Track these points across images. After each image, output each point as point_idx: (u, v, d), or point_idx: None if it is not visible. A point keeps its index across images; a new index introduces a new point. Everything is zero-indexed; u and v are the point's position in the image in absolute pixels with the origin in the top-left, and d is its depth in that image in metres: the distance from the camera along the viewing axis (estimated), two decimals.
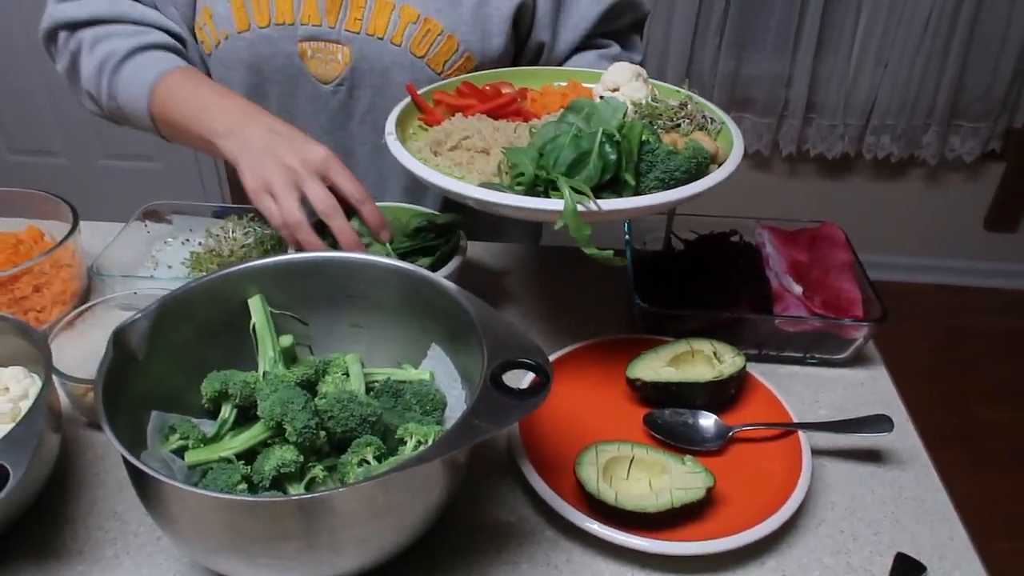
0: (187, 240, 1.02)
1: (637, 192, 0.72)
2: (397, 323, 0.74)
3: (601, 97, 0.89)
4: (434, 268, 0.86)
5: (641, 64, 1.13)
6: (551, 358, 0.82)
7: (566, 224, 0.68)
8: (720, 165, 0.76)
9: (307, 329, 0.75)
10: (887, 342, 0.91)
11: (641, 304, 0.83)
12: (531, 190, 0.73)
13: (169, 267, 0.97)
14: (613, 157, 0.71)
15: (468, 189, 0.72)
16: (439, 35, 0.99)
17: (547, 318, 0.93)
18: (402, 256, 0.88)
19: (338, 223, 0.81)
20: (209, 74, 1.07)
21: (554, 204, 0.69)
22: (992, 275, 3.04)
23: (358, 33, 1.00)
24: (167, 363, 0.68)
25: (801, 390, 0.84)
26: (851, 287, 0.87)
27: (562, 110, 0.80)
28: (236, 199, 1.17)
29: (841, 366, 0.87)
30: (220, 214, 1.03)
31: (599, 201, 0.69)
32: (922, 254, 3.02)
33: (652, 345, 0.82)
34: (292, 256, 0.72)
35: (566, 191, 0.69)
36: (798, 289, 0.85)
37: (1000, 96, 2.59)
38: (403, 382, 0.72)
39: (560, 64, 1.10)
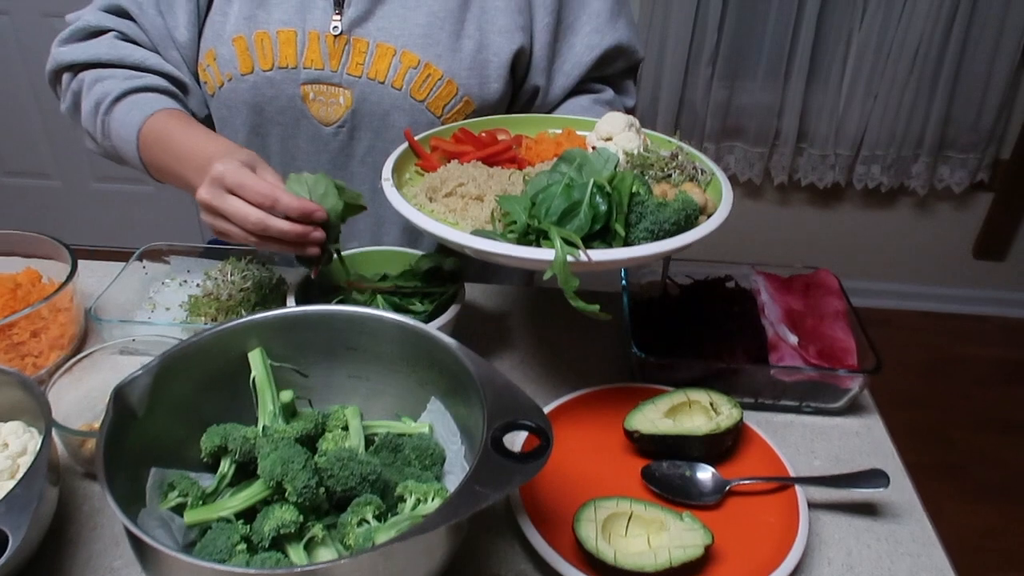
0: (185, 281, 1.02)
1: (627, 242, 0.73)
2: (396, 375, 0.74)
3: (594, 147, 0.90)
4: (433, 315, 0.86)
5: (634, 108, 1.15)
6: (548, 408, 0.83)
7: (555, 274, 0.69)
8: (709, 216, 0.77)
9: (307, 380, 0.75)
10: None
11: (638, 354, 0.84)
12: (523, 239, 0.74)
13: (167, 309, 0.97)
14: (604, 208, 0.73)
15: (461, 237, 0.73)
16: (439, 80, 1.00)
17: (543, 364, 0.94)
18: (403, 296, 0.88)
19: (274, 226, 0.77)
20: (211, 115, 1.08)
21: (545, 254, 0.70)
22: (980, 303, 3.07)
23: (359, 77, 1.01)
24: (167, 418, 0.68)
25: (797, 440, 0.85)
26: (845, 336, 0.88)
27: (555, 159, 0.81)
28: None
29: (836, 415, 0.88)
30: (216, 253, 1.03)
31: (589, 251, 0.70)
32: (911, 282, 3.04)
33: (649, 395, 0.83)
34: (292, 309, 0.73)
35: (557, 241, 0.70)
36: (794, 339, 0.86)
37: (988, 127, 2.63)
38: (402, 435, 0.72)
39: (554, 108, 1.11)
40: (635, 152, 0.88)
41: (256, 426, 0.70)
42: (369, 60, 1.00)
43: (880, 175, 2.73)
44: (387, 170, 0.84)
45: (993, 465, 2.36)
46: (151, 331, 0.89)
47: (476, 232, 0.74)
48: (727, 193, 0.80)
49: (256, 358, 0.71)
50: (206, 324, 0.91)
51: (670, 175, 0.85)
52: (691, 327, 0.90)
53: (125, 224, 3.13)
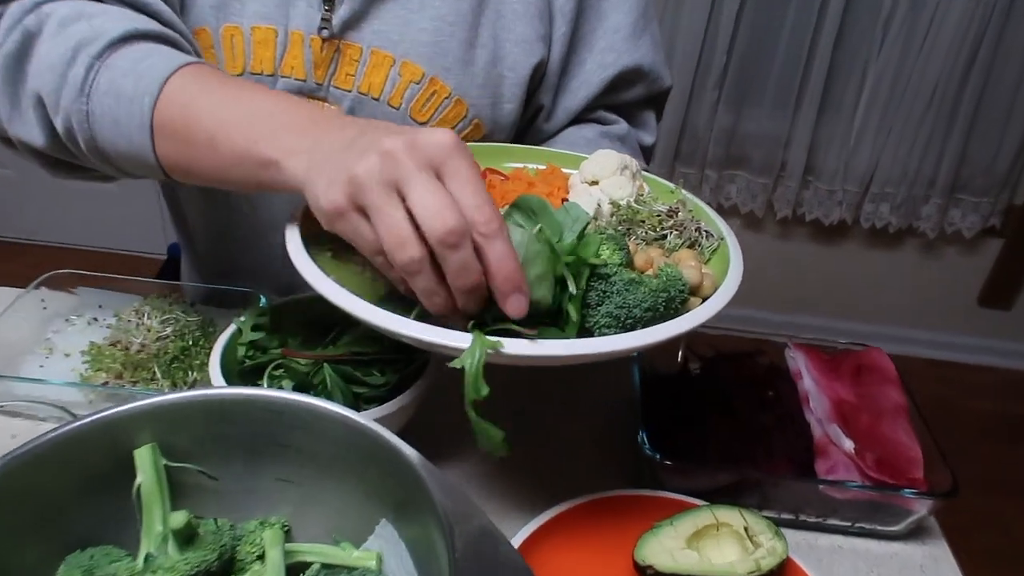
0: (95, 319, 0.83)
1: (582, 330, 0.56)
2: (337, 483, 0.56)
3: (564, 199, 0.72)
4: (400, 387, 0.68)
5: (652, 147, 0.97)
6: (535, 523, 0.64)
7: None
8: (704, 299, 0.59)
9: (219, 484, 0.56)
10: None
11: (652, 455, 0.66)
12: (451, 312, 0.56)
13: (66, 356, 0.78)
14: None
15: (355, 305, 0.55)
16: (446, 99, 0.82)
17: (528, 460, 0.75)
18: (357, 364, 0.70)
19: (460, 256, 0.50)
20: None
21: (459, 340, 0.52)
22: (983, 352, 2.93)
23: (349, 91, 0.82)
24: (13, 536, 0.49)
25: (847, 573, 0.67)
26: (909, 441, 0.70)
27: (506, 207, 0.62)
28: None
29: (894, 539, 0.70)
30: (144, 287, 0.84)
31: (518, 342, 0.52)
32: (913, 326, 2.90)
33: (665, 510, 0.65)
34: (198, 395, 0.54)
35: (477, 335, 0.52)
36: (849, 444, 0.68)
37: (1003, 171, 2.49)
38: (340, 569, 0.54)
39: (555, 135, 0.93)
40: (624, 203, 0.70)
41: (137, 555, 0.51)
42: (362, 70, 0.82)
43: (889, 215, 2.58)
44: (295, 210, 0.65)
45: (994, 526, 2.21)
46: (33, 394, 0.70)
47: (383, 301, 0.56)
48: (735, 269, 0.62)
49: (145, 458, 0.52)
50: (105, 383, 0.72)
51: (664, 236, 0.67)
52: (716, 416, 0.72)
53: (86, 222, 2.92)
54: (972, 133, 2.42)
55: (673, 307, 0.56)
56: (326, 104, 0.83)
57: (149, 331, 0.76)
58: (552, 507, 0.66)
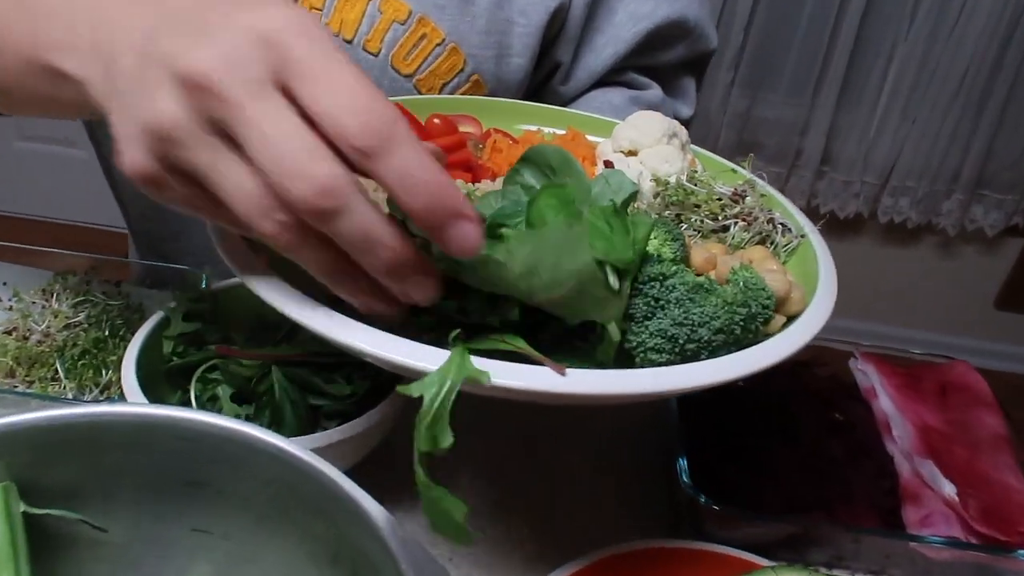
0: None
1: (620, 356, 0.40)
2: (271, 537, 0.40)
3: (608, 163, 0.57)
4: (367, 400, 0.52)
5: (690, 120, 0.82)
6: None
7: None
8: (790, 319, 0.44)
9: (108, 535, 0.41)
10: None
11: (695, 496, 0.51)
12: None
13: None
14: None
15: (298, 309, 0.39)
16: (438, 45, 0.66)
17: (534, 503, 0.60)
18: (316, 369, 0.54)
19: (350, 224, 0.33)
20: None
21: (418, 357, 0.37)
22: (997, 357, 2.79)
23: None
24: None
25: None
26: (1020, 483, 0.55)
27: (512, 166, 0.46)
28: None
29: None
30: (68, 261, 0.68)
31: (499, 370, 0.36)
32: (925, 328, 2.76)
33: (712, 569, 0.49)
34: (78, 412, 0.38)
35: (457, 352, 0.36)
36: (949, 488, 0.53)
37: None
38: None
39: (574, 99, 0.77)
40: (673, 180, 0.55)
41: None
42: (331, 3, 0.66)
43: (908, 209, 2.44)
44: None
45: None
46: None
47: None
48: (827, 277, 0.47)
49: None
50: None
51: (726, 227, 0.52)
52: (774, 445, 0.57)
53: (53, 192, 2.74)
54: (1002, 125, 2.27)
55: (752, 329, 0.40)
56: None
57: (56, 316, 0.60)
58: (562, 566, 0.50)
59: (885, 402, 0.60)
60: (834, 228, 2.55)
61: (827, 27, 2.17)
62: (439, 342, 0.38)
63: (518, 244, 0.36)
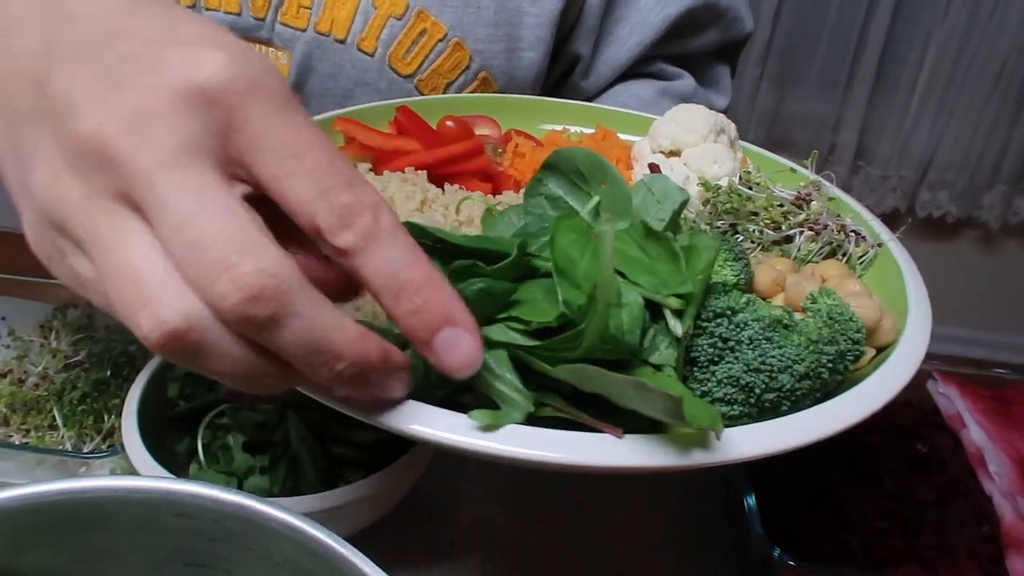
0: None
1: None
2: None
3: (653, 167, 0.51)
4: (387, 453, 0.47)
5: (724, 113, 0.75)
6: None
7: None
8: (880, 349, 0.38)
9: None
10: None
11: (770, 550, 0.44)
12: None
13: None
14: (635, 307, 0.33)
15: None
16: (440, 41, 0.61)
17: (576, 552, 0.54)
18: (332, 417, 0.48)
19: (292, 335, 0.26)
20: None
21: (427, 424, 0.31)
22: None
23: (303, 30, 0.61)
24: None
25: None
26: None
27: (535, 175, 0.41)
28: None
29: None
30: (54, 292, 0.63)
31: (501, 432, 0.30)
32: (967, 326, 2.66)
33: None
34: (66, 487, 0.32)
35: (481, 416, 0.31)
36: None
37: None
38: None
39: (597, 95, 0.71)
40: (725, 184, 0.49)
41: None
42: (320, 1, 0.61)
43: (948, 203, 2.35)
44: None
45: None
46: None
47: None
48: (918, 297, 0.42)
49: None
50: None
51: (790, 238, 0.46)
52: (848, 485, 0.51)
53: None
54: None
55: (840, 370, 0.34)
56: (272, 49, 0.62)
57: (55, 356, 0.55)
58: None
59: (976, 432, 0.53)
60: None
61: (859, 17, 2.10)
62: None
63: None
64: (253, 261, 0.24)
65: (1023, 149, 2.24)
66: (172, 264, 0.25)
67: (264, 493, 0.45)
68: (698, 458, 0.31)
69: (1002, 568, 0.47)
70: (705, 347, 0.34)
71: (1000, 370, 0.61)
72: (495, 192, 0.53)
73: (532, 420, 0.31)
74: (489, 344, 0.31)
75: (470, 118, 0.58)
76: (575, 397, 0.32)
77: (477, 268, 0.33)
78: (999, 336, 2.66)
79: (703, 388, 0.34)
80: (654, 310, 0.34)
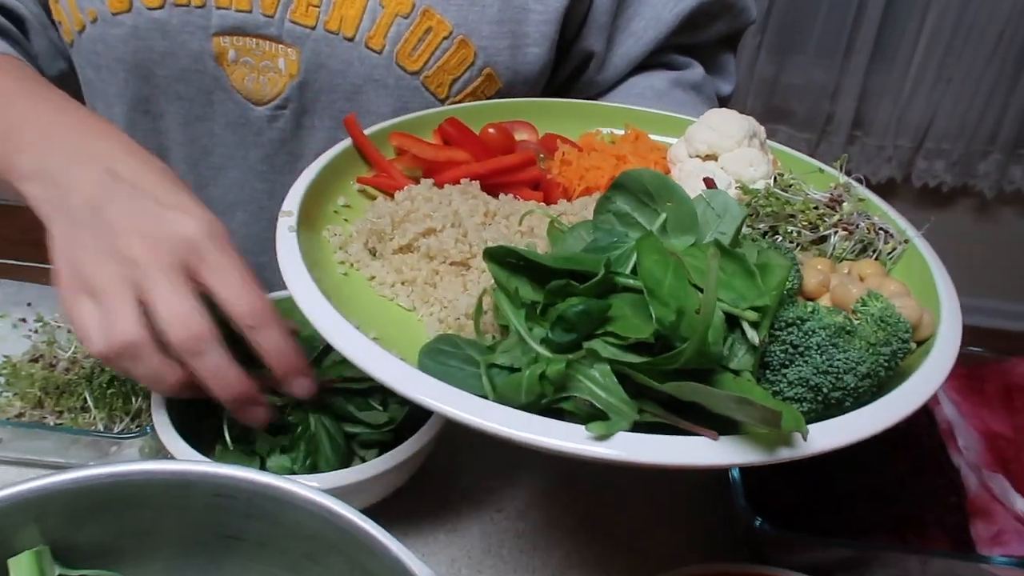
0: (22, 320, 0.65)
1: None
2: None
3: (708, 181, 0.53)
4: (406, 427, 0.50)
5: (729, 97, 0.78)
6: None
7: None
8: (919, 343, 0.42)
9: None
10: None
11: (754, 521, 0.48)
12: (533, 377, 0.38)
13: None
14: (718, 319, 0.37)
15: (394, 372, 0.36)
16: (446, 38, 0.63)
17: (583, 530, 0.57)
18: (350, 394, 0.52)
19: (206, 363, 0.45)
20: (70, 76, 0.71)
21: (555, 436, 0.34)
22: None
23: (312, 28, 0.63)
24: None
25: None
26: None
27: (605, 192, 0.44)
28: None
29: None
30: None
31: (613, 440, 0.34)
32: (963, 293, 2.68)
33: None
34: (110, 471, 0.36)
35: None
36: (1021, 504, 0.50)
37: None
38: None
39: (611, 88, 0.73)
40: (762, 188, 0.51)
41: None
42: (328, 1, 0.63)
43: (943, 172, 2.36)
44: (292, 198, 0.47)
45: None
46: None
47: (431, 352, 0.39)
48: (946, 287, 0.45)
49: (23, 570, 0.35)
50: (20, 416, 0.55)
51: (825, 237, 0.48)
52: (833, 462, 0.54)
53: None
54: None
55: (893, 367, 0.38)
56: (281, 46, 0.64)
57: (81, 343, 0.58)
58: None
59: (948, 408, 0.57)
60: None
61: None
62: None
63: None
64: (194, 322, 0.44)
65: (1019, 117, 2.24)
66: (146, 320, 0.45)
67: (285, 471, 0.49)
68: (785, 453, 0.35)
69: (967, 535, 0.51)
70: (777, 353, 0.37)
71: (975, 348, 0.64)
72: (547, 200, 0.55)
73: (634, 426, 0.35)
74: (595, 358, 0.36)
75: (508, 123, 0.61)
76: (668, 404, 0.36)
77: (571, 287, 0.38)
78: (996, 303, 2.70)
79: (774, 388, 0.38)
80: (730, 321, 0.38)
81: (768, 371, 0.37)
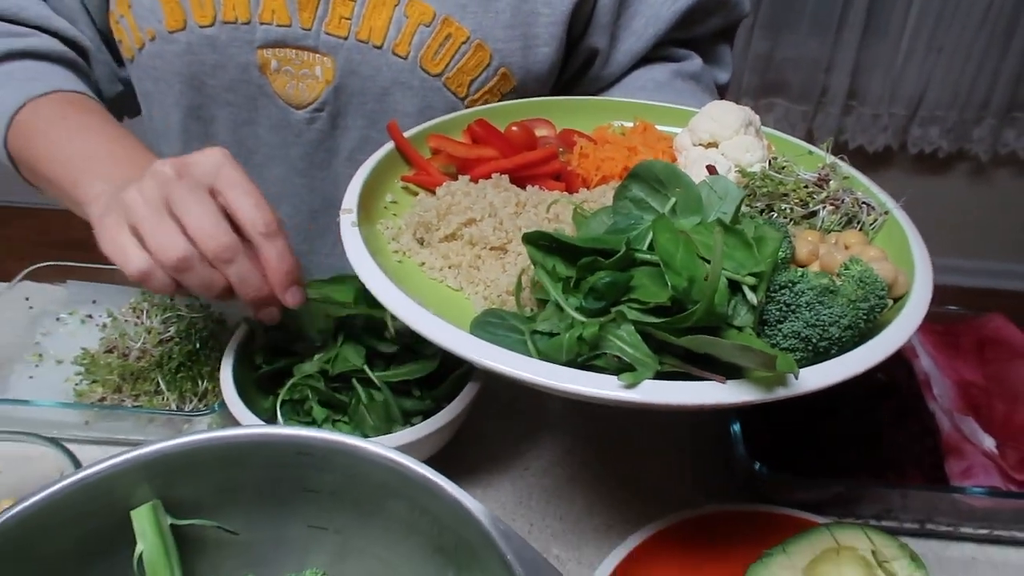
0: (89, 316, 0.72)
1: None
2: (382, 533, 0.46)
3: (711, 168, 0.60)
4: (443, 398, 0.57)
5: (727, 86, 0.83)
6: (618, 555, 0.54)
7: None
8: (895, 299, 0.48)
9: (240, 538, 0.46)
10: None
11: (751, 465, 0.55)
12: (572, 340, 0.45)
13: (59, 362, 0.67)
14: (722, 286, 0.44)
15: (452, 338, 0.44)
16: (464, 43, 0.69)
17: (599, 477, 0.65)
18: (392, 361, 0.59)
19: (235, 270, 0.52)
20: (127, 91, 0.78)
21: (608, 387, 0.41)
22: None
23: (345, 38, 0.70)
24: None
25: None
26: None
27: (622, 181, 0.51)
28: None
29: None
30: None
31: (641, 387, 0.41)
32: (962, 255, 2.75)
33: (770, 529, 0.54)
34: (206, 437, 0.43)
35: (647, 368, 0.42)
36: (989, 442, 0.57)
37: None
38: None
39: (615, 82, 0.79)
40: (758, 170, 0.57)
41: None
42: (359, 12, 0.69)
43: (938, 139, 2.41)
44: (351, 197, 0.54)
45: None
46: (16, 416, 0.60)
47: (481, 324, 0.46)
48: (921, 255, 0.51)
49: (144, 520, 0.42)
50: (102, 400, 0.62)
51: (815, 212, 0.55)
52: (820, 408, 0.61)
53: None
54: None
55: (872, 320, 0.44)
56: (318, 55, 0.71)
57: (149, 333, 0.65)
58: (633, 534, 0.55)
59: (925, 361, 0.64)
60: (864, 163, 2.52)
61: None
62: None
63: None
64: (224, 236, 0.51)
65: (1011, 82, 2.29)
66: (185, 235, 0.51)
67: None
68: (781, 392, 0.41)
69: (942, 472, 0.58)
70: (773, 311, 0.44)
71: (952, 307, 0.70)
72: (568, 190, 0.61)
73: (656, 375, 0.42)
74: (623, 320, 0.43)
75: (529, 121, 0.67)
76: (684, 356, 0.43)
77: (598, 263, 0.45)
78: (995, 264, 2.75)
79: (772, 341, 0.44)
80: (733, 285, 0.44)
81: (766, 327, 0.44)
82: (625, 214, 0.49)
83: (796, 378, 0.41)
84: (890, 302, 0.48)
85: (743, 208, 0.56)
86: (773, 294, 0.44)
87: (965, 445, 0.58)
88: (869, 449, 0.59)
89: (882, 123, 2.39)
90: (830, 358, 0.44)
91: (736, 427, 0.58)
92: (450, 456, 0.60)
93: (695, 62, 0.80)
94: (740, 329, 0.44)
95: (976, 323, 0.69)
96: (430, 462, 0.41)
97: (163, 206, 0.51)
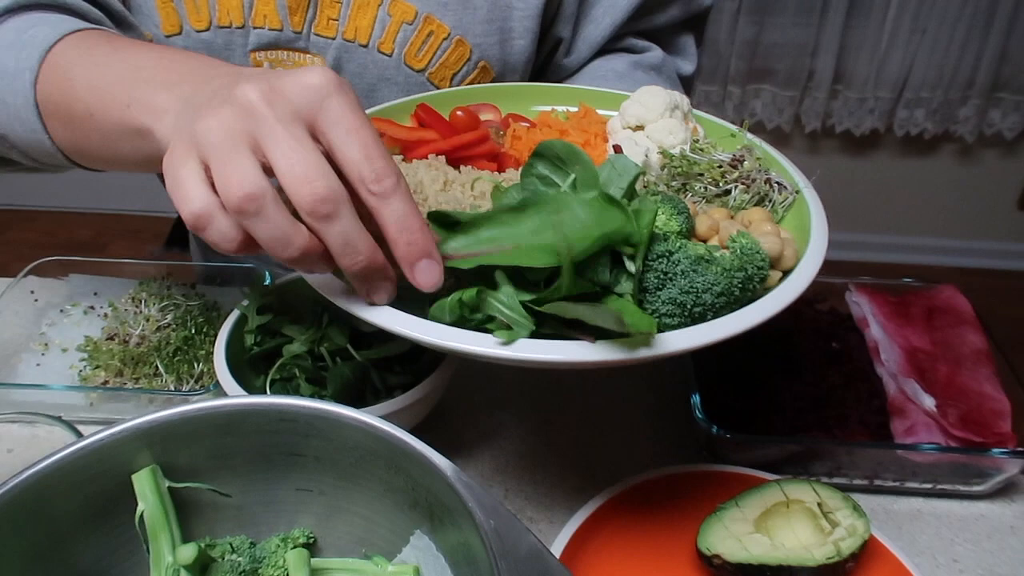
0: (90, 308, 0.76)
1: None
2: (362, 492, 0.50)
3: (617, 148, 0.64)
4: (423, 373, 0.62)
5: (693, 77, 0.87)
6: (583, 514, 0.58)
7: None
8: (785, 273, 0.51)
9: (233, 500, 0.51)
10: None
11: (708, 427, 0.59)
12: (464, 302, 0.48)
13: (64, 351, 0.72)
14: (601, 259, 0.47)
15: (355, 303, 0.47)
16: (445, 39, 0.74)
17: (565, 441, 0.69)
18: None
19: (338, 229, 0.41)
20: None
21: (472, 341, 0.45)
22: (1022, 257, 2.81)
23: (333, 39, 0.74)
24: (14, 567, 0.44)
25: (930, 541, 0.61)
26: (995, 391, 0.63)
27: (527, 161, 0.54)
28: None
29: (979, 499, 0.64)
30: (139, 269, 0.78)
31: (514, 344, 0.44)
32: (949, 235, 2.78)
33: (726, 486, 0.58)
34: (200, 407, 0.47)
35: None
36: (929, 402, 0.61)
37: None
38: None
39: (578, 70, 0.84)
40: (678, 152, 0.61)
41: None
42: (345, 13, 0.73)
43: (924, 120, 2.44)
44: None
45: None
46: (28, 399, 0.64)
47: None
48: (819, 231, 0.54)
49: (144, 483, 0.46)
50: (105, 383, 0.66)
51: (727, 192, 0.59)
52: (777, 375, 0.65)
53: (84, 181, 2.83)
54: (1013, 28, 2.26)
55: (750, 288, 0.48)
56: (308, 55, 0.74)
57: (148, 320, 0.70)
58: (599, 493, 0.59)
59: (876, 329, 0.68)
60: (851, 146, 2.57)
61: None
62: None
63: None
64: (324, 181, 0.40)
65: (995, 61, 2.31)
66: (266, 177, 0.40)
67: None
68: (644, 352, 0.45)
69: (887, 430, 0.62)
70: (652, 279, 0.47)
71: (908, 279, 0.74)
72: (500, 170, 0.65)
73: (536, 337, 0.46)
74: (505, 282, 0.46)
75: (475, 106, 0.71)
76: (566, 321, 0.46)
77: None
78: (983, 243, 2.78)
79: (652, 307, 0.48)
80: (616, 257, 0.48)
81: (647, 294, 0.47)
82: (532, 190, 0.52)
83: (653, 336, 0.44)
84: (775, 274, 0.51)
85: (660, 186, 0.60)
86: (651, 263, 0.47)
87: (908, 405, 0.62)
88: (820, 411, 0.63)
89: (868, 106, 2.42)
90: (706, 322, 0.47)
91: (696, 397, 0.62)
92: (434, 427, 0.64)
93: (656, 53, 0.84)
94: (621, 296, 0.47)
95: (928, 294, 0.73)
96: (415, 432, 0.45)
97: (244, 141, 0.40)
